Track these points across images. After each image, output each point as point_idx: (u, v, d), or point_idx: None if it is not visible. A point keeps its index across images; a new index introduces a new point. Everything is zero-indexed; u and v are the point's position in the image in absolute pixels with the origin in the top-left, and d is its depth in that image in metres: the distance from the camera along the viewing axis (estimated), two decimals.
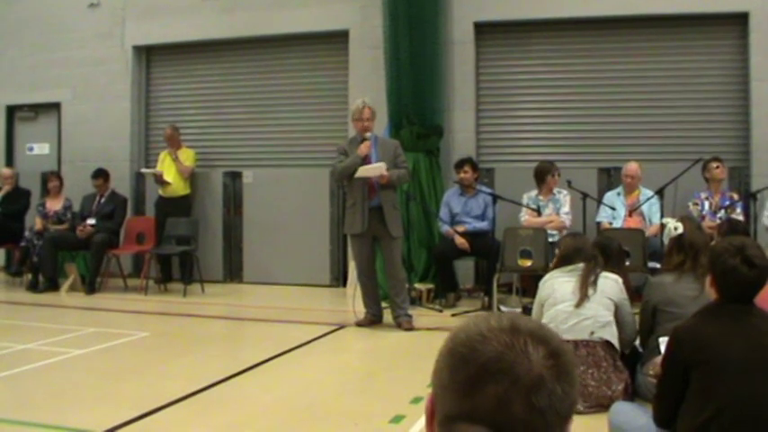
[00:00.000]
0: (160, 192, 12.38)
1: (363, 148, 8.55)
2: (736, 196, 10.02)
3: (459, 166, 10.41)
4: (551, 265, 6.73)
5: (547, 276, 6.11)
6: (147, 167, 12.96)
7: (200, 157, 12.69)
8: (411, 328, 8.59)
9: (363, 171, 8.44)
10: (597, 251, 5.96)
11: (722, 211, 9.72)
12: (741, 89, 10.96)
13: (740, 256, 3.65)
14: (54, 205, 12.32)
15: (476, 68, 11.70)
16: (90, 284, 11.49)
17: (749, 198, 9.64)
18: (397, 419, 5.35)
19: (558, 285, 5.85)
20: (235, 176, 12.85)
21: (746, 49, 10.83)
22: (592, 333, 5.60)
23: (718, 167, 9.93)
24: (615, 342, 5.68)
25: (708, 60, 11.15)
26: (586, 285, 5.71)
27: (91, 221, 11.90)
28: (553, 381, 1.32)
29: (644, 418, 4.21)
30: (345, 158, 8.63)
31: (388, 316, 8.92)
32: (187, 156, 12.40)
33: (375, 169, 8.44)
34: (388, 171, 8.50)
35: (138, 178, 13.24)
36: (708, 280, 3.84)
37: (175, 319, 9.72)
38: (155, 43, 13.28)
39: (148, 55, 13.58)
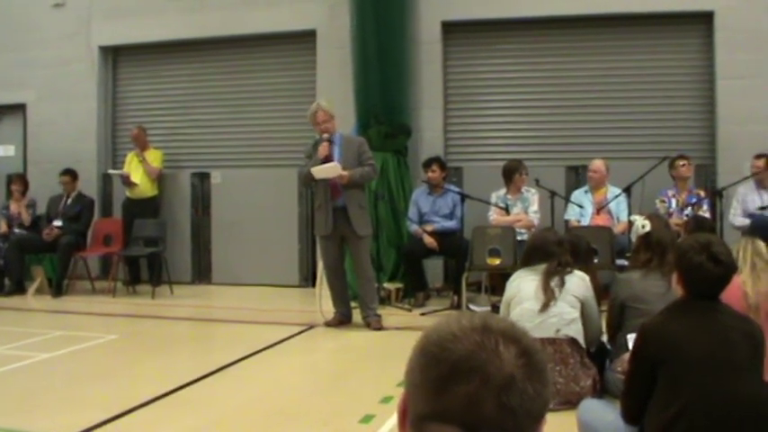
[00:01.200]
0: (127, 193, 12.27)
1: (321, 150, 8.55)
2: (702, 193, 10.11)
3: (428, 165, 10.42)
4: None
5: (514, 275, 6.14)
6: (115, 169, 12.83)
7: (167, 157, 12.61)
8: (380, 328, 8.61)
9: (318, 172, 8.42)
10: (562, 250, 5.96)
11: (689, 209, 9.80)
12: (707, 87, 11.05)
13: (706, 253, 3.69)
14: (18, 208, 12.19)
15: (443, 68, 11.72)
16: (57, 287, 11.40)
17: (715, 195, 9.71)
18: (367, 419, 5.36)
19: (524, 284, 5.87)
20: (203, 177, 12.79)
21: (712, 47, 10.91)
22: (557, 331, 5.62)
23: (684, 165, 10.02)
24: (581, 339, 5.71)
25: (674, 59, 11.23)
26: (549, 287, 5.73)
27: (57, 223, 11.79)
28: (524, 380, 1.33)
29: (612, 414, 4.23)
30: (309, 161, 8.63)
31: (357, 316, 8.91)
32: (155, 157, 12.32)
33: (329, 169, 8.41)
34: (351, 170, 8.49)
35: (106, 179, 13.11)
36: (675, 277, 3.88)
37: (144, 321, 9.68)
38: (121, 43, 13.15)
39: (115, 55, 13.46)
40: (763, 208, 9.45)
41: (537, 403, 1.34)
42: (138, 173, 12.12)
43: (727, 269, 3.73)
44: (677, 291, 3.87)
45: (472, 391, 1.30)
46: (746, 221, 9.59)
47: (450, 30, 11.75)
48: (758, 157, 9.80)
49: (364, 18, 11.10)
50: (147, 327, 9.36)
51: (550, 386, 1.39)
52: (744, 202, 9.84)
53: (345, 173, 8.42)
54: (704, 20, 10.95)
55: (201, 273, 12.78)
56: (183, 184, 12.80)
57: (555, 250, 5.92)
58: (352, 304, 9.07)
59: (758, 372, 3.66)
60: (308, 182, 8.80)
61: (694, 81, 11.17)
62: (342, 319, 8.87)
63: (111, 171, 12.77)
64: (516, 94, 11.69)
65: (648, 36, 11.29)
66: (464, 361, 1.32)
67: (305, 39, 12.15)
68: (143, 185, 12.13)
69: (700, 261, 3.69)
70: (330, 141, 8.64)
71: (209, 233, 12.74)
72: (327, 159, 8.52)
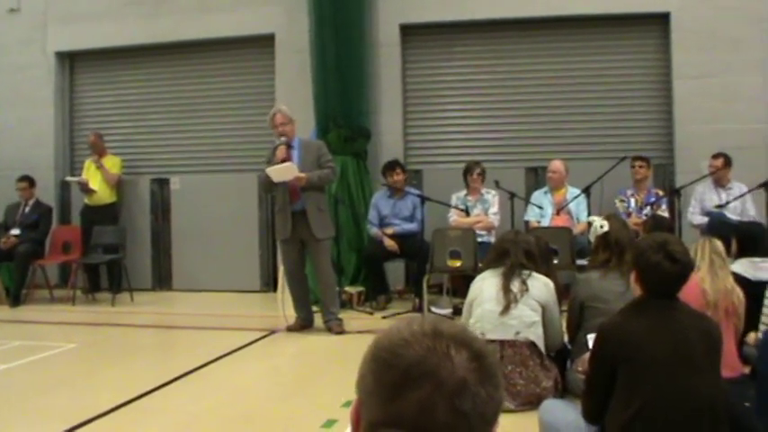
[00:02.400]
0: (86, 200, 12.15)
1: (279, 153, 8.54)
2: (661, 193, 10.23)
3: (391, 168, 10.42)
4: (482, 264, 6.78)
5: (478, 277, 6.15)
6: (73, 176, 12.71)
7: (126, 164, 12.52)
8: (341, 332, 8.60)
9: (274, 172, 8.39)
10: (516, 249, 5.96)
11: (648, 208, 9.91)
12: (664, 88, 11.17)
13: (663, 252, 3.73)
14: None
15: (402, 71, 11.74)
16: (15, 297, 11.25)
17: (674, 194, 9.81)
18: (329, 424, 5.35)
19: (486, 286, 5.88)
20: (162, 183, 12.71)
21: (668, 48, 11.03)
22: (517, 333, 5.64)
23: (641, 166, 10.14)
24: (541, 343, 5.72)
25: (631, 60, 11.34)
26: (509, 290, 5.75)
27: (15, 231, 11.66)
28: (477, 384, 1.33)
29: (573, 414, 4.25)
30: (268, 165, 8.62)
31: (319, 320, 8.89)
32: (113, 163, 12.21)
33: (285, 170, 8.37)
34: (309, 172, 8.47)
35: (64, 187, 12.98)
36: (633, 276, 3.91)
37: (104, 329, 9.59)
38: (78, 49, 13.03)
39: (72, 61, 13.33)
40: (720, 206, 9.54)
41: (490, 406, 1.34)
42: (96, 179, 12.01)
43: (684, 268, 3.77)
44: (635, 290, 3.90)
45: (425, 396, 1.30)
46: (704, 220, 9.69)
47: (409, 33, 11.78)
48: (716, 156, 9.91)
49: (323, 22, 11.09)
50: (108, 335, 9.27)
51: (503, 389, 1.40)
52: (702, 201, 9.96)
53: (302, 174, 8.39)
54: (660, 21, 11.08)
55: (162, 279, 12.69)
56: (143, 191, 12.71)
57: (510, 249, 5.94)
58: (314, 309, 9.05)
59: (715, 370, 3.70)
60: (267, 186, 8.75)
61: (651, 81, 11.30)
62: (303, 324, 8.86)
63: (69, 178, 12.62)
64: (475, 96, 11.74)
65: (606, 37, 11.40)
66: (416, 366, 1.32)
67: (264, 43, 12.12)
68: (101, 192, 12.02)
69: (657, 260, 3.72)
70: (289, 145, 8.62)
71: (169, 239, 12.66)
72: (285, 162, 8.50)
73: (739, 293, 5.39)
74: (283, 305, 8.97)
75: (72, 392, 6.49)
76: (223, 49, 12.54)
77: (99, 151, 12.18)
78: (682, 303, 3.85)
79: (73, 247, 12.12)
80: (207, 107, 12.63)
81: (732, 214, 9.53)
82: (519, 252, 5.91)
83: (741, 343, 5.62)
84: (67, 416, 5.55)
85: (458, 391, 1.31)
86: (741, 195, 9.63)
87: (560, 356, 5.98)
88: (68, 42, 12.97)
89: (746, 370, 5.38)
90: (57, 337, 8.85)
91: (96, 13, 12.63)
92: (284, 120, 8.63)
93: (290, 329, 8.80)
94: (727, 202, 9.52)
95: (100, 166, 12.00)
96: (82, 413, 5.61)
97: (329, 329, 8.64)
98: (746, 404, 4.29)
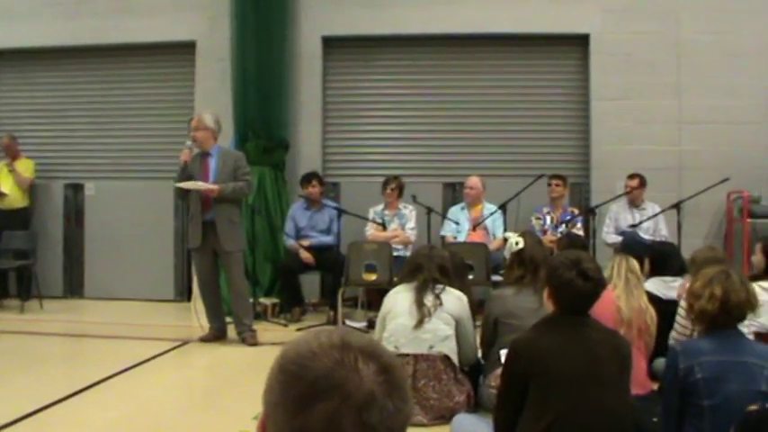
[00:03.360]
0: None
1: (182, 156, 8.58)
2: (576, 211, 10.39)
3: (308, 180, 10.41)
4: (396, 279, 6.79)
5: (391, 291, 6.16)
6: None
7: (39, 167, 12.23)
8: (255, 344, 8.54)
9: (183, 185, 8.41)
10: (430, 264, 5.98)
11: (563, 226, 10.03)
12: (582, 108, 11.37)
13: (576, 270, 3.78)
14: None
15: (323, 82, 11.74)
16: None
17: (589, 213, 9.97)
18: None
19: (400, 300, 5.90)
20: (76, 188, 12.47)
21: (587, 69, 11.24)
22: (431, 347, 5.67)
23: (558, 185, 10.29)
24: (454, 357, 5.75)
25: (551, 80, 11.53)
26: (423, 304, 5.76)
27: None
28: (384, 397, 1.32)
29: (485, 428, 4.29)
30: (182, 173, 8.57)
31: (232, 331, 8.81)
32: (26, 167, 11.93)
33: (192, 185, 8.39)
34: (224, 183, 8.42)
35: None
36: (545, 293, 3.95)
37: (11, 337, 9.37)
38: None
39: None
40: (633, 225, 9.72)
41: (398, 419, 1.33)
42: (7, 183, 11.71)
43: (596, 285, 3.83)
44: (548, 307, 3.94)
45: (331, 409, 1.29)
46: (618, 239, 9.88)
47: (331, 45, 11.78)
48: (631, 177, 10.12)
49: (244, 31, 11.04)
50: (14, 343, 9.05)
51: (411, 402, 1.39)
52: (616, 220, 10.16)
53: (214, 186, 8.33)
54: (580, 42, 11.27)
55: (74, 286, 12.43)
56: (56, 196, 12.44)
57: (423, 263, 5.96)
58: (228, 319, 8.97)
59: (623, 386, 3.77)
60: (180, 194, 8.72)
61: (570, 101, 11.49)
62: (217, 335, 8.78)
63: None
64: (395, 110, 11.80)
65: (526, 56, 11.57)
66: (323, 379, 1.31)
67: (184, 50, 11.98)
68: (13, 196, 11.73)
69: (570, 277, 3.77)
70: (207, 154, 8.59)
71: (82, 246, 12.40)
72: (186, 166, 8.50)
73: (652, 313, 5.50)
74: (197, 315, 8.87)
75: None
76: (143, 55, 12.36)
77: (12, 154, 11.90)
78: (593, 320, 3.91)
79: None
80: (125, 113, 12.42)
81: (645, 234, 9.73)
82: (432, 267, 5.93)
83: (651, 361, 5.73)
84: None
85: (365, 404, 1.30)
86: (654, 215, 9.84)
87: (473, 371, 6.02)
88: None
89: (655, 387, 5.48)
90: None
91: (13, 13, 12.31)
92: (197, 125, 8.61)
93: (203, 340, 8.71)
94: (641, 222, 9.71)
95: (12, 170, 11.74)
96: None
97: (243, 341, 8.58)
98: (654, 419, 4.36)
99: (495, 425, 4.04)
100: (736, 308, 3.79)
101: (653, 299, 5.83)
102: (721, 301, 3.78)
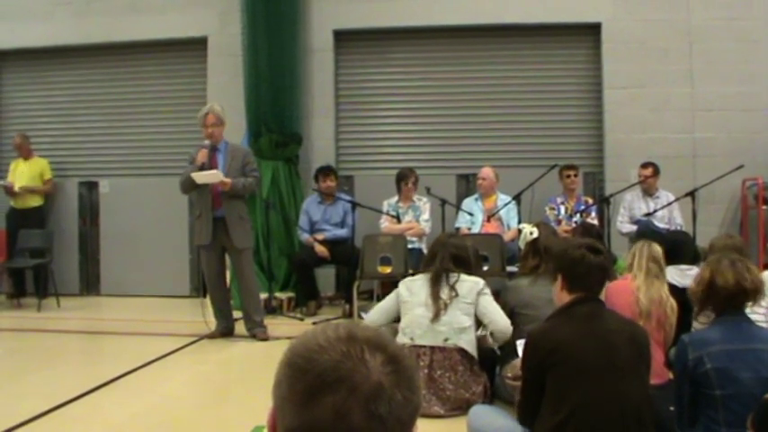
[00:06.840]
0: (11, 203, 11.93)
1: (199, 157, 8.37)
2: (590, 200, 10.37)
3: (323, 174, 10.41)
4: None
5: (408, 278, 6.16)
6: None
7: (54, 166, 12.28)
8: (266, 338, 8.51)
9: (199, 177, 8.26)
10: (444, 251, 5.96)
11: (577, 215, 10.00)
12: (595, 97, 11.35)
13: (584, 247, 3.81)
14: None
15: (335, 76, 11.75)
16: None
17: (603, 202, 9.96)
18: (258, 430, 5.29)
19: (416, 289, 5.88)
20: (91, 186, 12.53)
21: (599, 58, 11.21)
22: (446, 340, 5.65)
23: (571, 175, 10.24)
24: (472, 349, 5.73)
25: (563, 69, 11.50)
26: (438, 296, 5.75)
27: None
28: (392, 387, 1.32)
29: (502, 420, 4.28)
30: (191, 166, 8.45)
31: (241, 327, 8.80)
32: (40, 166, 11.97)
33: (211, 176, 8.24)
34: (233, 179, 8.35)
35: None
36: (557, 285, 3.94)
37: (29, 335, 9.42)
38: (5, 48, 12.76)
39: None
40: (648, 214, 9.68)
41: (407, 410, 1.33)
42: (21, 181, 11.76)
43: (606, 260, 3.87)
44: (560, 299, 3.94)
45: (339, 401, 1.29)
46: (633, 228, 9.84)
47: (342, 38, 11.79)
48: (645, 165, 10.08)
49: (256, 26, 11.05)
50: (32, 341, 9.08)
51: (420, 392, 1.39)
52: (630, 210, 10.11)
53: (227, 179, 8.26)
54: (592, 31, 11.24)
55: (90, 284, 12.50)
56: (70, 194, 12.50)
57: (438, 252, 5.95)
58: (236, 315, 8.95)
59: (641, 374, 3.75)
60: (188, 187, 8.56)
61: (583, 91, 11.46)
62: (224, 332, 8.73)
63: None
64: (408, 102, 11.80)
65: (538, 47, 11.55)
66: (330, 371, 1.32)
67: (196, 46, 12.03)
68: (28, 195, 11.79)
69: (580, 253, 3.80)
70: (215, 149, 8.52)
71: (97, 243, 12.46)
72: (204, 167, 8.34)
73: (673, 303, 5.42)
74: (204, 311, 8.85)
75: None
76: (155, 52, 12.41)
77: (25, 153, 11.95)
78: (608, 310, 3.92)
79: None
80: (138, 110, 12.48)
81: (659, 222, 9.69)
82: (446, 256, 5.91)
83: (669, 349, 5.69)
84: None
85: (373, 395, 1.30)
86: (668, 204, 9.79)
87: (489, 362, 5.99)
88: None
89: (672, 375, 5.44)
90: None
91: (25, 13, 12.39)
92: (214, 121, 8.45)
93: (209, 337, 8.66)
94: (655, 211, 9.67)
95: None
96: (5, 421, 5.48)
97: (253, 336, 8.55)
98: (671, 408, 4.34)
99: (518, 416, 4.04)
100: (722, 289, 3.76)
101: (670, 288, 5.78)
102: (707, 283, 3.79)
